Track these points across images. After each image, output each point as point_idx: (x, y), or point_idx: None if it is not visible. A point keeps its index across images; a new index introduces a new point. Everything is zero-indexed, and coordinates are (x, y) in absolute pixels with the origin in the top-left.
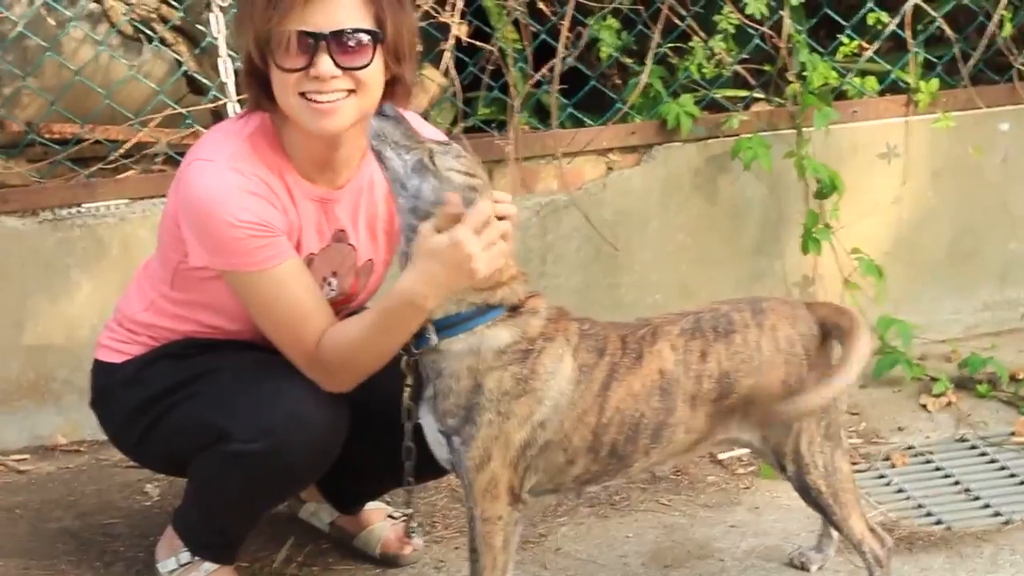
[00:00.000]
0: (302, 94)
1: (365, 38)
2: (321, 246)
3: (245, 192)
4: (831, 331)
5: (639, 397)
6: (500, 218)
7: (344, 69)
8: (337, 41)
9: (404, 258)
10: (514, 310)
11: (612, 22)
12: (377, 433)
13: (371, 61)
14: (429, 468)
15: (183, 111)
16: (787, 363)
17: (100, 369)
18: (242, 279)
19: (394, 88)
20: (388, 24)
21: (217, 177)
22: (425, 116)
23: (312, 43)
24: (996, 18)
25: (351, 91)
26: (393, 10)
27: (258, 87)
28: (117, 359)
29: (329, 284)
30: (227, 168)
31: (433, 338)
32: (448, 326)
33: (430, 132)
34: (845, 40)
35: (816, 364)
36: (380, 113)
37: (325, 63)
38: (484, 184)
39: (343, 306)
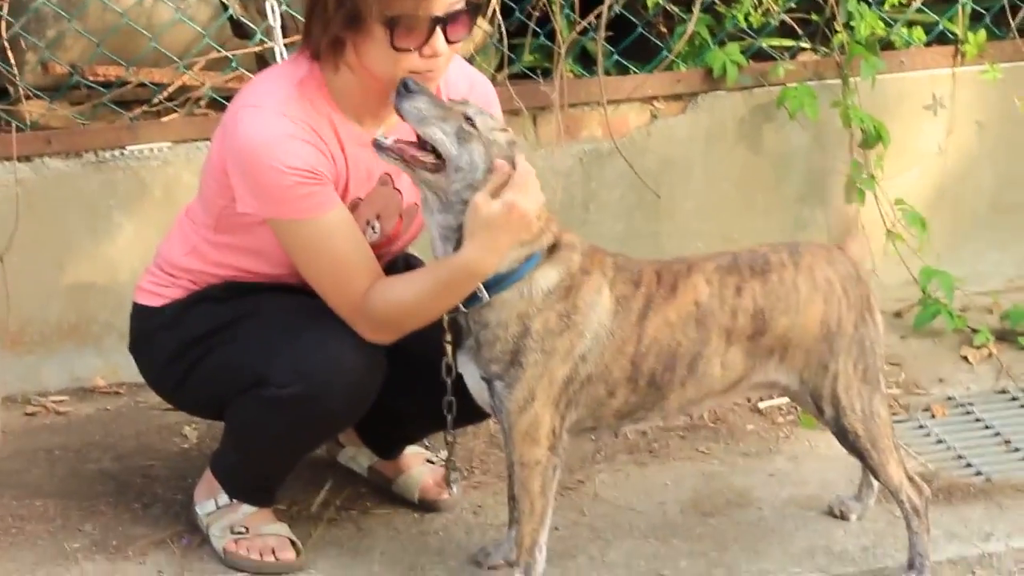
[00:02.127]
0: (410, 68)
1: (467, 13)
2: (367, 190)
3: (294, 139)
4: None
5: (675, 326)
6: None
7: (451, 43)
8: (451, 21)
9: (449, 231)
10: (551, 249)
11: None
12: (415, 377)
13: (469, 30)
14: (468, 415)
15: (228, 54)
16: (825, 302)
17: (139, 313)
18: (288, 227)
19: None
20: None
21: (265, 123)
22: (470, 62)
23: (432, 26)
24: None
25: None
26: None
27: (327, 46)
28: (157, 303)
29: (372, 227)
30: (276, 114)
31: (486, 296)
32: (498, 281)
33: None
34: None
35: (854, 305)
36: (406, 89)
37: (441, 43)
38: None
39: (384, 249)
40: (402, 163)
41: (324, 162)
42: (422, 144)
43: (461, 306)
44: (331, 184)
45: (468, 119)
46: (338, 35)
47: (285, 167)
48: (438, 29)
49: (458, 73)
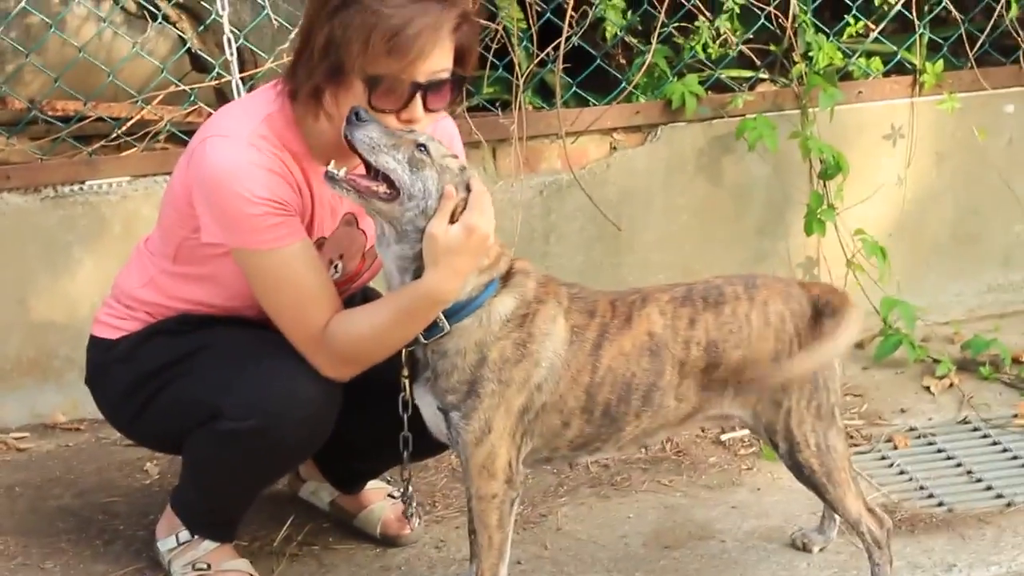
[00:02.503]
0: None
1: (450, 83)
2: (331, 229)
3: (262, 168)
4: (823, 309)
5: (630, 357)
6: None
7: (430, 111)
8: (432, 90)
9: (406, 262)
10: (504, 277)
11: (618, 1)
12: (372, 410)
13: (451, 100)
14: (427, 447)
15: (187, 88)
16: (777, 338)
17: (95, 345)
18: (252, 258)
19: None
20: (468, 55)
21: (234, 153)
22: None
23: (412, 92)
24: None
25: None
26: (473, 35)
27: (311, 90)
28: (113, 335)
29: (335, 267)
30: (244, 144)
31: (446, 325)
32: (458, 310)
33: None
34: (851, 20)
35: (806, 343)
36: (357, 118)
37: (419, 110)
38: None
39: (344, 287)
40: (355, 195)
41: (291, 194)
42: (375, 174)
43: (421, 337)
44: (297, 216)
45: (420, 147)
46: (319, 84)
47: (252, 196)
48: (418, 96)
49: None
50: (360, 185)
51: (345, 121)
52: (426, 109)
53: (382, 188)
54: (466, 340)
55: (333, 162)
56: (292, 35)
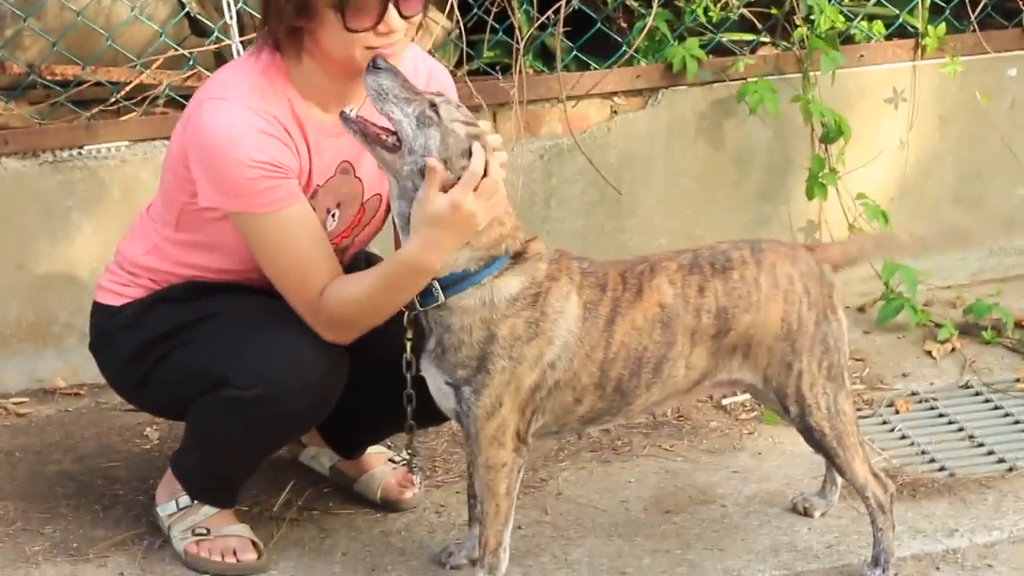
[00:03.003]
0: (367, 47)
1: None
2: (328, 178)
3: (258, 132)
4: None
5: (642, 330)
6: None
7: (407, 18)
8: None
9: (404, 221)
10: (516, 256)
11: None
12: (377, 378)
13: (425, 3)
14: (429, 415)
15: (186, 53)
16: (786, 300)
17: (99, 312)
18: (251, 221)
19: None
20: None
21: (230, 116)
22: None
23: (382, 3)
24: None
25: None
26: None
27: (284, 35)
28: (117, 302)
29: (332, 215)
30: (240, 107)
31: (440, 296)
32: (454, 283)
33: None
34: None
35: (816, 303)
36: (373, 66)
37: (395, 18)
38: (482, 132)
39: (346, 239)
40: (362, 137)
41: (288, 155)
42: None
43: (417, 304)
44: (295, 179)
45: (432, 105)
46: (292, 24)
47: (249, 160)
48: (390, 6)
49: (414, 61)
50: (369, 129)
51: (366, 68)
52: (401, 16)
53: (391, 139)
54: (470, 317)
55: (352, 106)
56: None
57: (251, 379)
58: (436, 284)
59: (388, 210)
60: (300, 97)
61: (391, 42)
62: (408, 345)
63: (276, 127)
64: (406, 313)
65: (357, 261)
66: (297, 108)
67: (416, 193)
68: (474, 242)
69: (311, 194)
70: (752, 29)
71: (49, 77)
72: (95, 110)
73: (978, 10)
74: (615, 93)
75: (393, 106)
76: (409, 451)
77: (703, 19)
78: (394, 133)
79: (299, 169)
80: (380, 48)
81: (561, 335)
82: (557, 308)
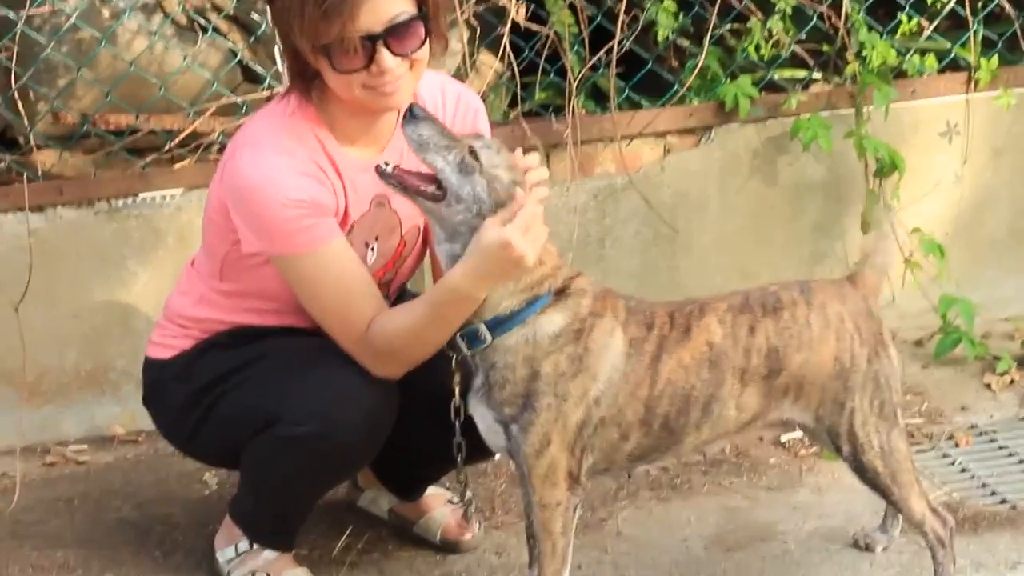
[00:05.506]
0: (365, 86)
1: (414, 23)
2: (363, 212)
3: (293, 172)
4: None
5: (689, 369)
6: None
7: (402, 56)
8: (391, 35)
9: (453, 260)
10: (560, 293)
11: (669, 4)
12: (428, 415)
13: (424, 40)
14: (481, 450)
15: (238, 100)
16: (838, 339)
17: (151, 366)
18: (292, 263)
19: (429, 40)
20: None
21: (265, 159)
22: (483, 100)
23: (370, 44)
24: None
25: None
26: None
27: (302, 78)
28: (167, 355)
29: (371, 248)
30: (273, 150)
31: (488, 338)
32: (500, 323)
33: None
34: (904, 18)
35: (867, 340)
36: (411, 115)
37: (386, 59)
38: (522, 175)
39: (389, 272)
40: (402, 190)
41: (325, 193)
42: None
43: (464, 348)
44: (332, 216)
45: (472, 151)
46: (301, 71)
47: (287, 200)
48: (380, 46)
49: (441, 87)
50: (408, 182)
51: (402, 117)
52: (393, 54)
53: (431, 188)
54: (513, 356)
55: (384, 155)
56: None
57: (303, 415)
58: (483, 327)
59: (427, 242)
60: (331, 136)
61: (388, 80)
62: (456, 391)
63: (311, 166)
64: (454, 357)
65: (402, 296)
66: (328, 147)
67: (471, 234)
68: (518, 282)
69: (348, 230)
70: (804, 65)
71: (103, 126)
72: (149, 158)
73: None
74: (668, 132)
75: (435, 155)
76: (463, 499)
77: (755, 57)
78: (434, 181)
79: (336, 206)
80: (379, 87)
81: (605, 371)
82: (601, 343)
